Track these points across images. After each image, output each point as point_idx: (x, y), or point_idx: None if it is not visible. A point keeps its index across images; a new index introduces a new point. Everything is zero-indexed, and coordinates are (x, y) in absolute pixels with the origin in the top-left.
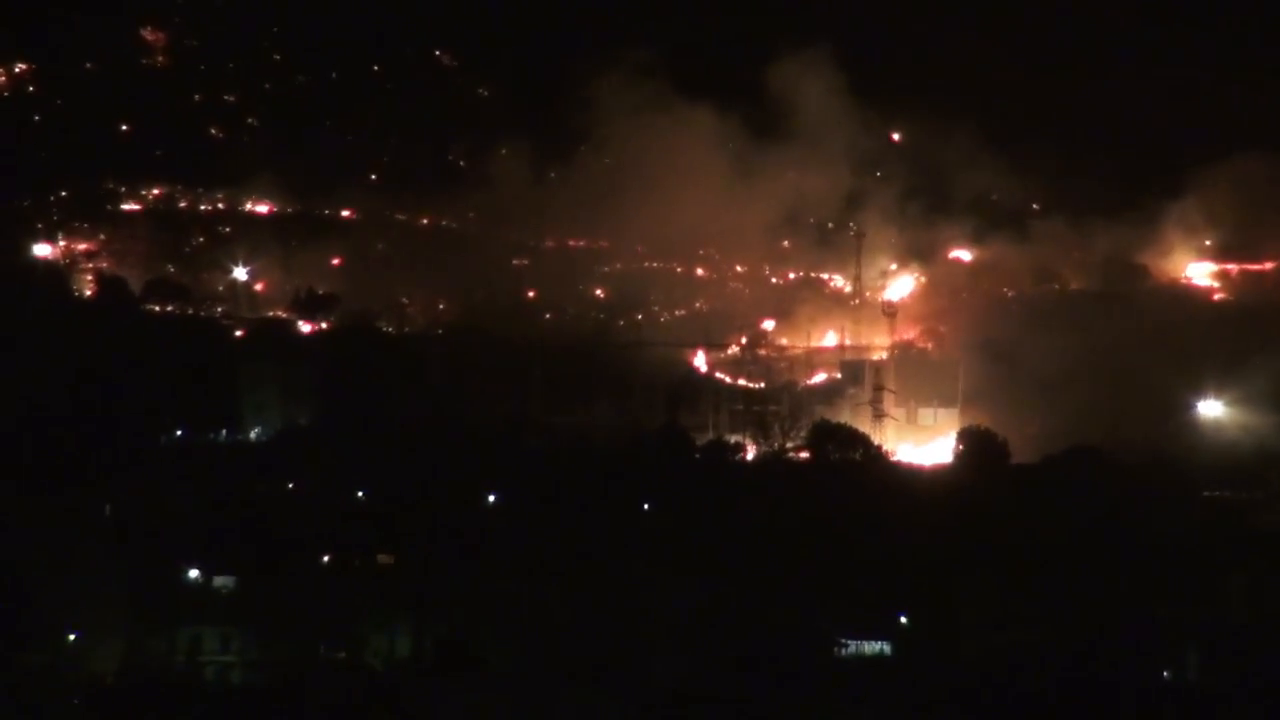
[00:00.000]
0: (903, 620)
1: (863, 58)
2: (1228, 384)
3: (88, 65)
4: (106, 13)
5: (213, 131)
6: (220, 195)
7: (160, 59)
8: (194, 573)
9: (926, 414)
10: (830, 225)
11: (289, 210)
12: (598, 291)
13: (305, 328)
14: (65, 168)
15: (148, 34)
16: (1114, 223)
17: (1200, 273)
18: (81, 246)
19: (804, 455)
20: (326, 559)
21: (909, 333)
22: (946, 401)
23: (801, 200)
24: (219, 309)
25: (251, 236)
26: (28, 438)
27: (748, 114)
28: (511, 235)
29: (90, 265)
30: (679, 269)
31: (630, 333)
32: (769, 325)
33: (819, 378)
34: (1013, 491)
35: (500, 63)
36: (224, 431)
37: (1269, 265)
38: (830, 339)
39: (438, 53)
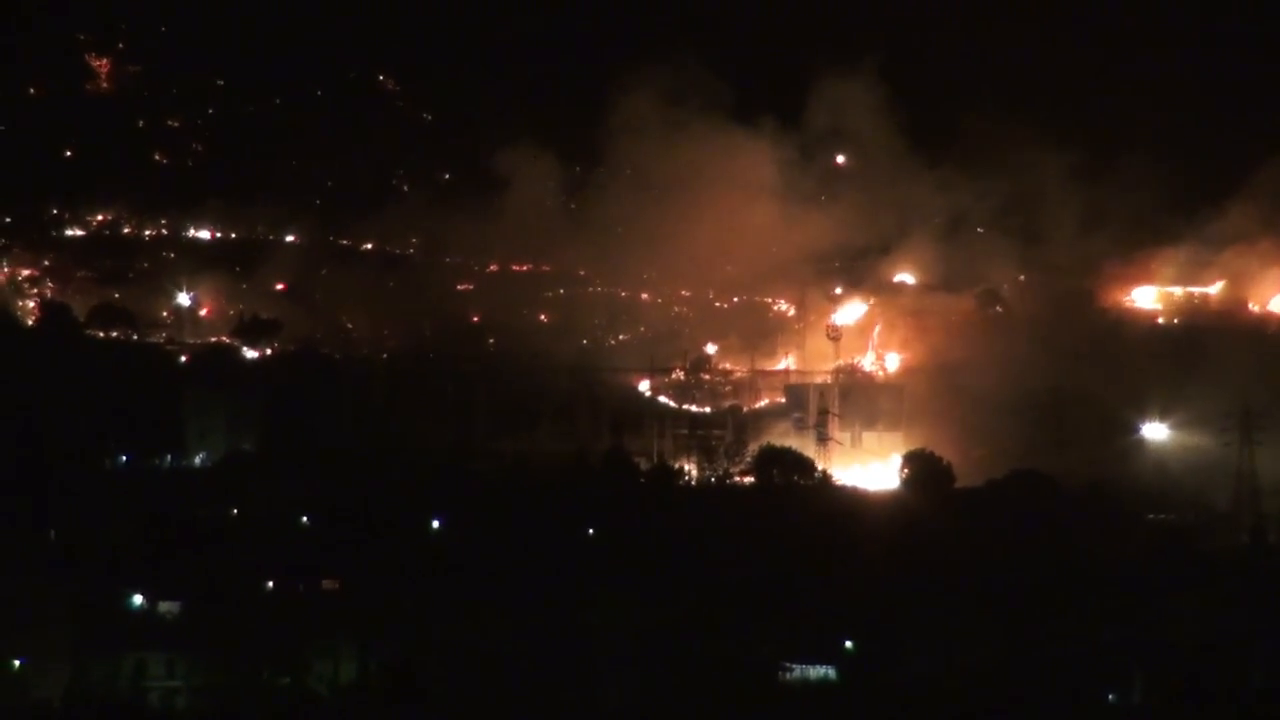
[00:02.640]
0: (848, 644)
1: (799, 81)
2: (1171, 407)
3: (31, 90)
4: (50, 39)
5: (156, 157)
6: (164, 220)
7: (104, 84)
8: (139, 598)
9: (871, 438)
10: (774, 249)
11: (233, 235)
12: (542, 316)
13: (249, 353)
14: (8, 192)
15: (91, 59)
16: (1059, 247)
17: (1144, 296)
18: (25, 272)
19: (749, 480)
20: (271, 584)
21: (853, 357)
22: (891, 425)
23: (744, 225)
24: (163, 334)
25: (195, 262)
26: None
27: (693, 140)
28: (455, 260)
29: (34, 290)
30: (623, 293)
31: (574, 357)
32: (713, 350)
33: (764, 402)
34: (957, 515)
35: (443, 88)
36: (168, 457)
37: (1211, 288)
38: (776, 363)
39: (381, 78)
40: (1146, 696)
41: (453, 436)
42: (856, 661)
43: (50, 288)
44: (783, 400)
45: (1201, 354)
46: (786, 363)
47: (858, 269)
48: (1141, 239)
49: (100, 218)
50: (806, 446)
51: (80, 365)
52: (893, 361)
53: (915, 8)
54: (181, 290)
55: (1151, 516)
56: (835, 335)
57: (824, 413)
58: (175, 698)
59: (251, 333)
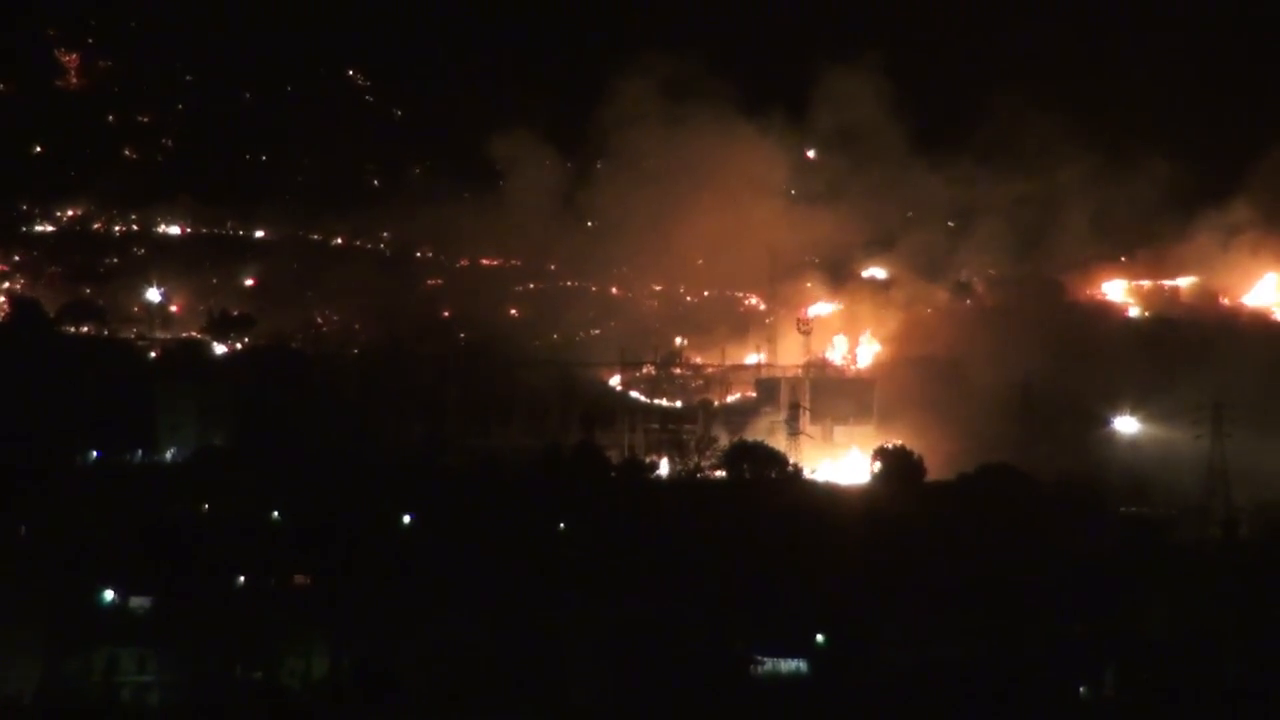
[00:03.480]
0: (819, 638)
1: (768, 71)
2: (1142, 400)
3: (0, 86)
4: (19, 34)
5: (127, 152)
6: (135, 216)
7: (74, 80)
8: (110, 594)
9: (842, 432)
10: (744, 243)
11: (203, 231)
12: (512, 311)
13: (220, 348)
14: None
15: (61, 55)
16: (1029, 239)
17: (1115, 289)
18: None
19: (720, 474)
20: (243, 580)
21: (824, 350)
22: (862, 419)
23: (715, 218)
24: (134, 330)
25: (166, 257)
26: None
27: (665, 134)
28: (426, 255)
29: (3, 286)
30: (594, 288)
31: (545, 351)
32: (683, 343)
33: (735, 396)
34: (928, 509)
35: (413, 83)
36: (139, 452)
37: (1182, 281)
38: (746, 357)
39: (351, 73)
40: (1118, 690)
41: (424, 432)
42: (828, 655)
43: (20, 284)
44: (754, 395)
45: (1173, 347)
46: (758, 357)
47: (829, 263)
48: (1113, 232)
49: (71, 213)
50: (778, 440)
51: (51, 361)
52: (864, 355)
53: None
54: (152, 286)
55: (1123, 509)
56: (806, 329)
57: (795, 407)
58: (147, 693)
59: (222, 328)
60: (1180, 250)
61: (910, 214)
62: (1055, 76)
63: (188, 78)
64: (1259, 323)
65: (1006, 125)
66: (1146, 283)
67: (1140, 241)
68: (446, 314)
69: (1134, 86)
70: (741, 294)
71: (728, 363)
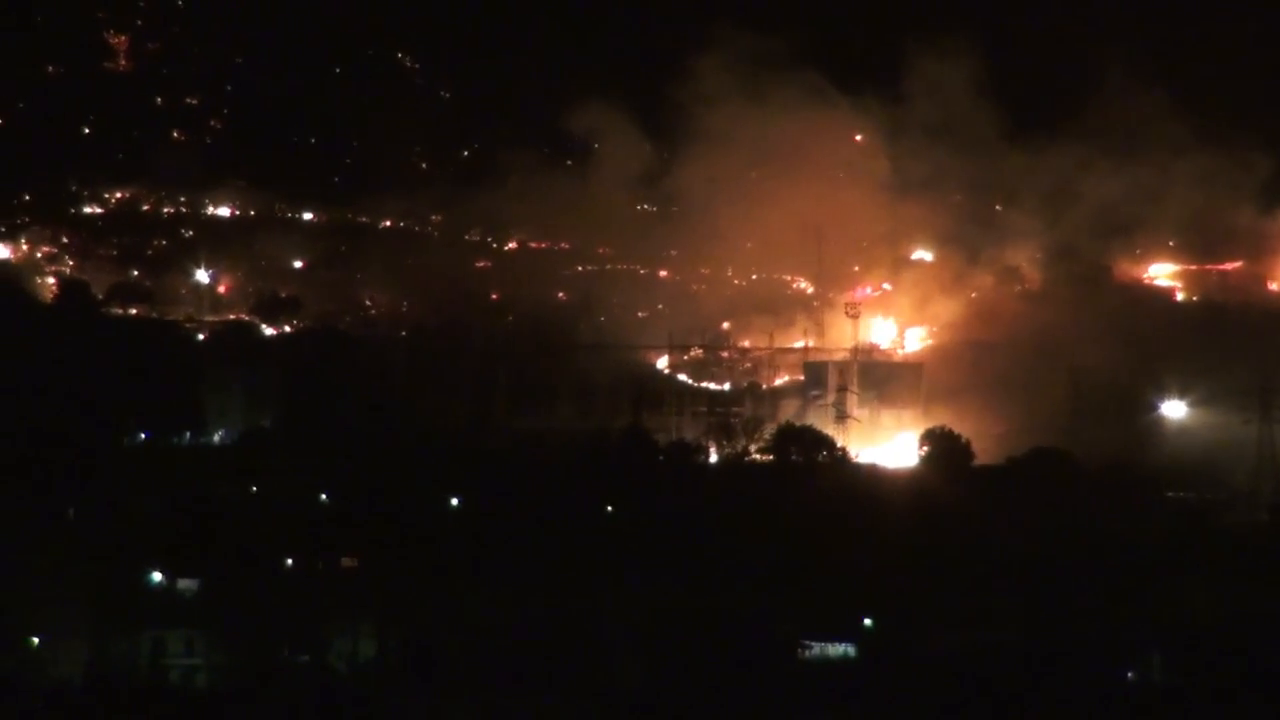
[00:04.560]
0: (867, 622)
1: (819, 54)
2: (1191, 384)
3: (50, 68)
4: (68, 16)
5: (175, 134)
6: (183, 198)
7: (122, 62)
8: (157, 576)
9: (890, 416)
10: (793, 226)
11: (252, 213)
12: (561, 294)
13: (268, 330)
14: (27, 171)
15: (110, 37)
16: (1077, 223)
17: (1163, 273)
18: (43, 249)
19: (767, 457)
20: (290, 562)
21: (872, 334)
22: (910, 403)
23: (764, 201)
24: (182, 312)
25: (214, 239)
26: None
27: (709, 116)
28: (474, 238)
29: (52, 268)
30: (642, 271)
31: (593, 335)
32: (731, 327)
33: (782, 380)
34: (976, 493)
35: (462, 65)
36: (187, 434)
37: (1231, 265)
38: (794, 341)
39: (400, 55)
40: (1165, 675)
41: (471, 414)
42: (876, 639)
43: (69, 265)
44: (801, 378)
45: (1221, 331)
46: (805, 342)
47: (878, 246)
48: (1162, 215)
49: (119, 195)
50: (825, 424)
51: (99, 343)
52: (912, 339)
53: None
54: (201, 268)
55: (1171, 494)
56: (854, 313)
57: (842, 390)
58: (194, 675)
59: (270, 310)
60: (1228, 234)
61: (959, 197)
62: (1103, 61)
63: (236, 60)
64: None
65: (1056, 109)
66: (1195, 266)
67: (1189, 225)
68: (495, 297)
69: (1180, 70)
70: (790, 277)
71: (775, 346)
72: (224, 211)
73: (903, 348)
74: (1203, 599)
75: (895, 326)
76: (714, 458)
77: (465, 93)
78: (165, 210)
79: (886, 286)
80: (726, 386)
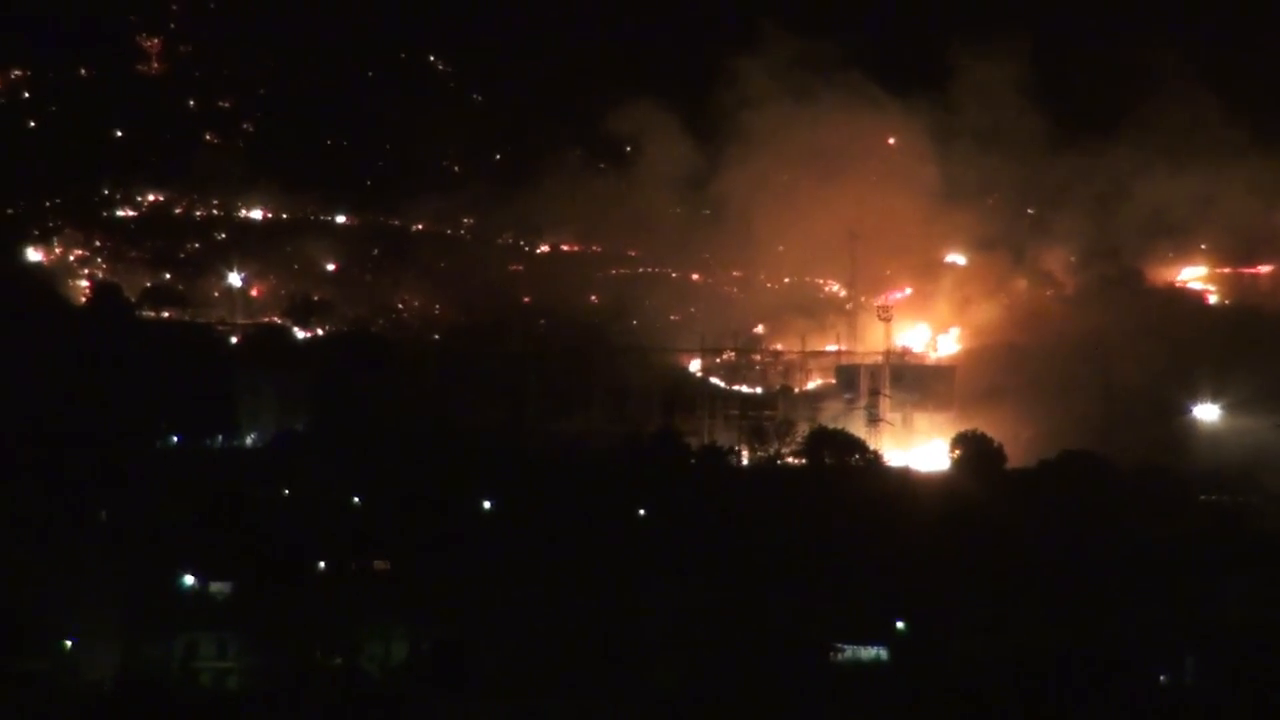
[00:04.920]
0: (899, 625)
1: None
2: (1222, 387)
3: (82, 71)
4: (101, 19)
5: (207, 137)
6: (215, 201)
7: (155, 65)
8: (190, 579)
9: (922, 419)
10: (825, 229)
11: (284, 216)
12: (593, 297)
13: (301, 333)
14: (60, 174)
15: (142, 40)
16: (1108, 227)
17: (1196, 276)
18: (76, 252)
19: (800, 460)
20: (322, 565)
21: (905, 337)
22: (942, 406)
23: (797, 205)
24: (214, 315)
25: (246, 242)
26: (23, 444)
27: (740, 121)
28: (507, 241)
29: (85, 271)
30: (673, 274)
31: (625, 338)
32: (764, 330)
33: (814, 383)
34: (1008, 496)
35: (495, 68)
36: (220, 437)
37: (1262, 269)
38: (826, 344)
39: (431, 58)
40: (1198, 678)
41: (504, 417)
42: (908, 642)
43: (102, 268)
44: (834, 381)
45: (1254, 334)
46: (837, 345)
47: (910, 249)
48: (1196, 219)
49: (151, 198)
50: (857, 427)
51: (132, 346)
52: (944, 342)
53: None
54: (233, 271)
55: (1203, 498)
56: (886, 316)
57: (875, 393)
58: (227, 678)
59: (303, 313)
60: (1261, 238)
61: (991, 200)
62: (1137, 66)
63: (269, 63)
64: None
65: (1089, 112)
66: (1227, 270)
67: (1221, 229)
68: (527, 299)
69: (1211, 73)
70: (822, 280)
71: (808, 349)
72: (256, 214)
73: (935, 351)
74: (1235, 602)
75: (928, 330)
76: (746, 461)
77: (498, 95)
78: (198, 213)
79: (919, 291)
80: (759, 389)
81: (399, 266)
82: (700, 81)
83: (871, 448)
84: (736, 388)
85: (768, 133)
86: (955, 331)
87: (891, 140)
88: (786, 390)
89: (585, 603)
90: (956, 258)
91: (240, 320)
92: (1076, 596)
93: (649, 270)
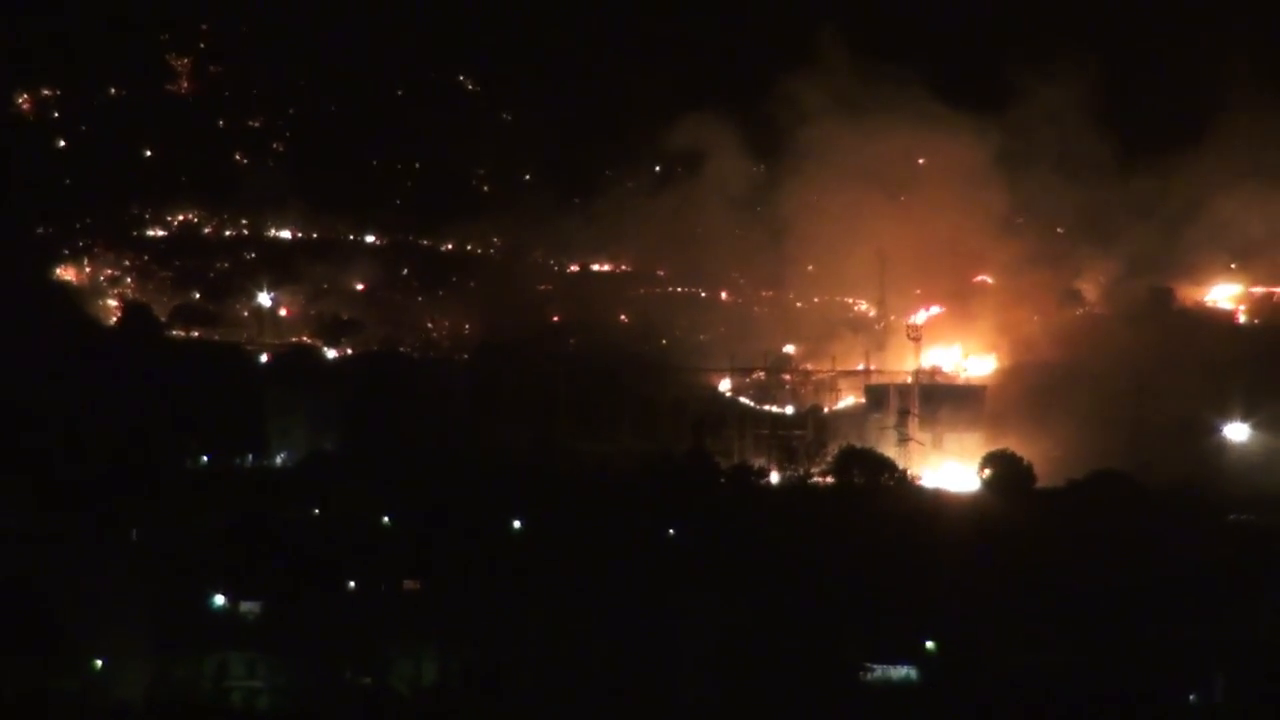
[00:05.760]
0: (929, 645)
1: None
2: (1253, 406)
3: (112, 91)
4: (131, 38)
5: (237, 157)
6: (245, 220)
7: (185, 84)
8: (220, 598)
9: (952, 439)
10: (854, 249)
11: (313, 235)
12: (622, 316)
13: (330, 353)
14: (90, 193)
15: (172, 59)
16: (1139, 245)
17: (1224, 295)
18: (106, 272)
19: (829, 480)
20: (353, 584)
21: (934, 357)
22: (972, 426)
23: (827, 224)
24: (244, 335)
25: (276, 262)
26: (53, 463)
27: (766, 137)
28: (536, 260)
29: (115, 291)
30: (703, 293)
31: (655, 357)
32: (793, 349)
33: (844, 402)
34: (1038, 516)
35: (523, 88)
36: (249, 456)
37: None
38: (856, 364)
39: (460, 78)
40: (1228, 698)
41: (533, 436)
42: (938, 661)
43: (131, 288)
44: (863, 400)
45: None
46: (866, 365)
47: (940, 270)
48: (1222, 238)
49: (181, 218)
50: (887, 447)
51: (161, 365)
52: (974, 362)
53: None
54: (262, 290)
55: (1233, 517)
56: (915, 336)
57: (904, 413)
58: (257, 698)
59: (332, 333)
60: None
61: (1021, 220)
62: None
63: (299, 83)
64: None
65: (1121, 132)
66: (1258, 289)
67: (1250, 248)
68: (556, 319)
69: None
70: (851, 300)
71: (837, 369)
72: (286, 234)
73: (965, 370)
74: (1266, 622)
75: (957, 349)
76: (776, 480)
77: (527, 115)
78: (227, 233)
79: (948, 311)
80: (789, 409)
81: (428, 286)
82: (733, 101)
83: (901, 467)
84: (766, 407)
85: (799, 154)
86: (985, 351)
87: (921, 160)
88: (816, 410)
89: (616, 622)
90: (986, 277)
91: (270, 340)
92: (1105, 616)
93: (679, 290)
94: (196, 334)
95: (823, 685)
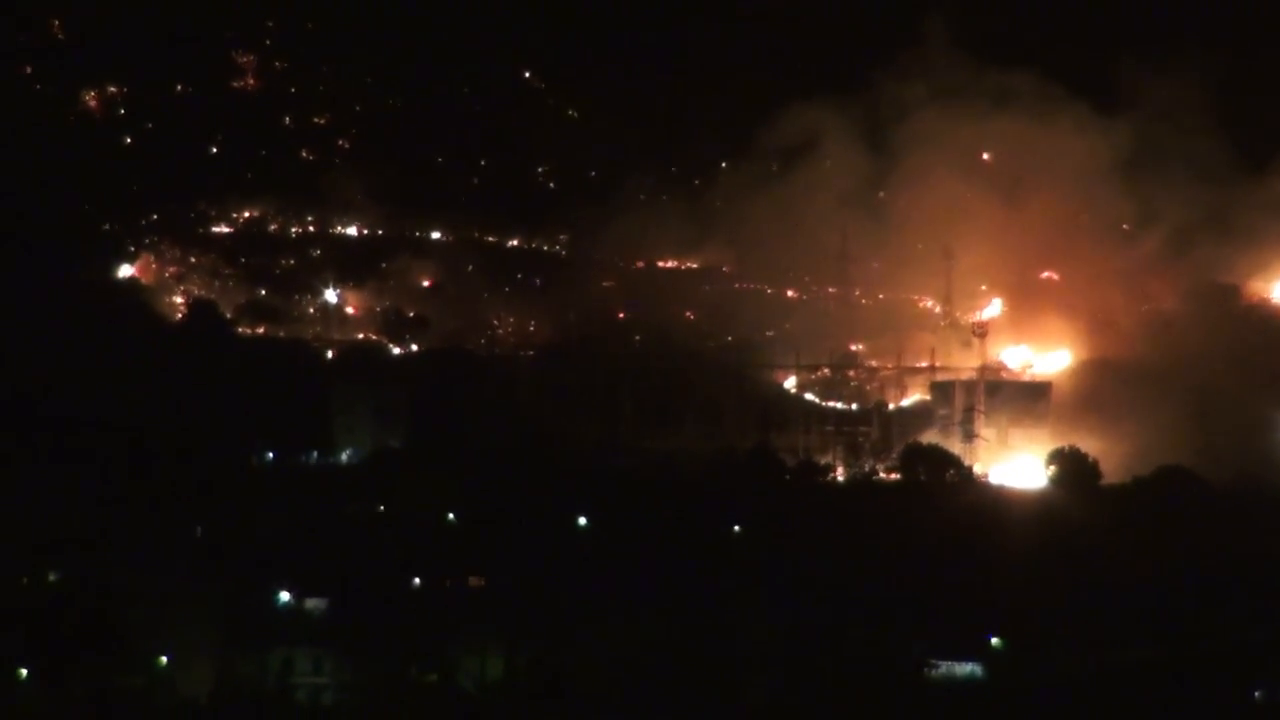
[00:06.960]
0: (994, 641)
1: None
2: None
3: (178, 88)
4: (197, 35)
5: (303, 153)
6: (311, 217)
7: (250, 81)
8: (285, 595)
9: (1018, 435)
10: (920, 246)
11: (379, 232)
12: (687, 313)
13: (396, 350)
14: (156, 190)
15: (238, 56)
16: (1205, 242)
17: None
18: (172, 269)
19: (895, 476)
20: (418, 581)
21: (1000, 353)
22: (1037, 422)
23: (892, 220)
24: (310, 331)
25: (342, 258)
26: (120, 461)
27: (831, 135)
28: (602, 257)
29: (181, 288)
30: (769, 290)
31: (721, 354)
32: (859, 346)
33: (909, 399)
34: (1104, 512)
35: (589, 85)
36: (315, 453)
37: None
38: (920, 360)
39: (527, 74)
40: None
41: (599, 433)
42: (1003, 658)
43: (198, 285)
44: (929, 397)
45: None
46: (932, 361)
47: (1006, 265)
48: None
49: (247, 215)
50: (953, 443)
51: (227, 362)
52: (1040, 359)
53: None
54: (328, 287)
55: None
56: (981, 332)
57: (970, 410)
58: (322, 694)
59: (398, 330)
60: None
61: (1086, 217)
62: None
63: (366, 79)
64: None
65: (1180, 126)
66: None
67: None
68: (621, 316)
69: None
70: (916, 296)
71: (902, 365)
72: (352, 231)
73: (1031, 367)
74: None
75: (1023, 346)
76: (841, 477)
77: (593, 111)
78: (293, 229)
79: (1014, 307)
80: (854, 406)
81: (494, 283)
82: (801, 98)
83: (966, 464)
84: (831, 404)
85: (858, 151)
86: (1051, 347)
87: (986, 156)
88: (881, 406)
89: (681, 620)
90: (1052, 273)
91: (336, 336)
92: (1171, 612)
93: (744, 286)
94: (262, 331)
95: (887, 681)
